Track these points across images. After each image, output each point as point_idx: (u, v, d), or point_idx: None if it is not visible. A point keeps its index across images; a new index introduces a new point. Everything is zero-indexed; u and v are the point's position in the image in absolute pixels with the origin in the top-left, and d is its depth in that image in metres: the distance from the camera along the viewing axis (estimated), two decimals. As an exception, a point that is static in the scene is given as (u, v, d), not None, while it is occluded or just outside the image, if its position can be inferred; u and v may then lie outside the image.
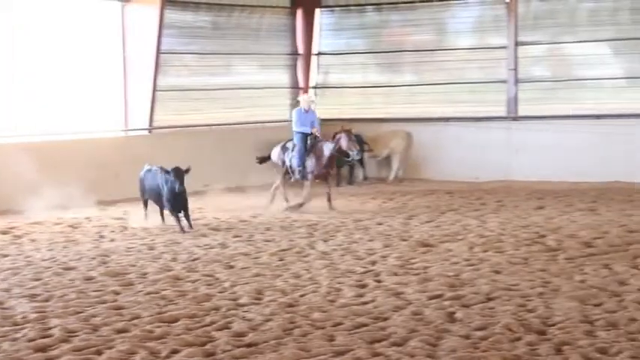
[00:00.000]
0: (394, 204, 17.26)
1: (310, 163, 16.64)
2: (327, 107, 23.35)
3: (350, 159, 17.28)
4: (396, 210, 16.24)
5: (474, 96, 22.16)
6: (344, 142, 16.64)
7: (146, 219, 15.12)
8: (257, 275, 10.83)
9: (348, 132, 16.82)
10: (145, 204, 15.39)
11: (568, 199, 17.20)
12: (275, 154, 17.29)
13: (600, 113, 20.43)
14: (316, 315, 8.85)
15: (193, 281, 10.55)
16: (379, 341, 7.95)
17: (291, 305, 9.30)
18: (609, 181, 19.49)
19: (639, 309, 8.82)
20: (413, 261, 11.54)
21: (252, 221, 15.26)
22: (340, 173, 20.82)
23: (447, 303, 9.24)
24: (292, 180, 16.91)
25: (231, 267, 11.39)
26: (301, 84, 23.42)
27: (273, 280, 10.52)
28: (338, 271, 11.01)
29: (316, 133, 16.66)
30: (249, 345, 7.88)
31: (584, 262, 11.19)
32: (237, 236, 13.67)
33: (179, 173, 14.39)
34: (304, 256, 12.01)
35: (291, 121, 17.26)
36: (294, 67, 23.36)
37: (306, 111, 16.89)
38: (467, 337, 8.04)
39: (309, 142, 16.68)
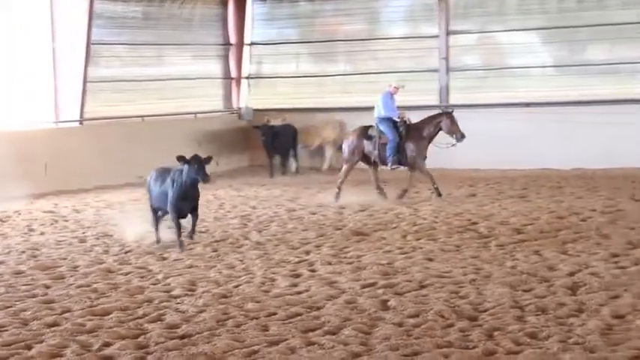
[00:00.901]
0: (328, 194, 17.26)
1: (410, 149, 15.98)
2: (260, 97, 23.37)
3: (452, 144, 16.03)
4: (329, 199, 16.24)
5: (407, 85, 22.26)
6: (445, 126, 15.96)
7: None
8: (190, 267, 10.78)
9: (450, 115, 16.06)
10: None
11: (499, 187, 17.41)
12: (354, 145, 16.34)
13: (530, 101, 20.72)
14: (250, 305, 8.83)
15: (126, 274, 10.46)
16: (313, 330, 7.97)
17: (224, 296, 9.26)
18: (539, 168, 19.78)
19: (568, 294, 8.97)
20: (347, 250, 11.58)
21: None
22: (273, 163, 20.79)
23: (380, 291, 9.28)
24: (377, 169, 16.30)
25: (165, 259, 11.31)
26: (234, 74, 23.35)
27: (207, 272, 10.47)
28: (272, 261, 11.00)
29: (404, 118, 16.11)
30: (182, 337, 7.84)
31: (514, 249, 11.33)
32: (170, 227, 13.54)
33: (201, 160, 11.56)
34: (238, 247, 11.98)
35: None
36: (226, 57, 23.27)
37: (392, 95, 16.28)
38: (400, 324, 8.09)
39: (399, 128, 15.99)
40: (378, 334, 7.77)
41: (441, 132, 16.14)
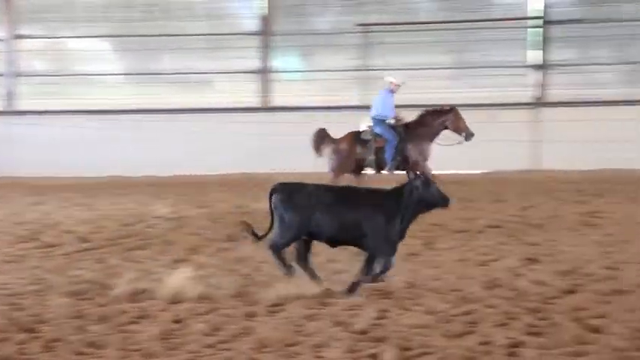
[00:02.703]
0: None
1: (413, 152, 14.50)
2: None
3: (458, 142, 14.66)
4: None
5: None
6: (451, 124, 14.53)
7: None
8: None
9: (456, 111, 14.63)
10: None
11: (68, 194, 17.18)
12: (346, 154, 14.63)
13: (102, 109, 20.73)
14: None
15: None
16: None
17: None
18: (110, 175, 19.81)
19: (129, 301, 8.99)
20: None
21: None
22: None
23: None
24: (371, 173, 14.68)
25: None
26: None
27: None
28: None
29: (399, 117, 14.59)
30: None
31: (80, 257, 11.24)
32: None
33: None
34: None
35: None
36: None
37: (393, 92, 14.63)
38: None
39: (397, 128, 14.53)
40: None
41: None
